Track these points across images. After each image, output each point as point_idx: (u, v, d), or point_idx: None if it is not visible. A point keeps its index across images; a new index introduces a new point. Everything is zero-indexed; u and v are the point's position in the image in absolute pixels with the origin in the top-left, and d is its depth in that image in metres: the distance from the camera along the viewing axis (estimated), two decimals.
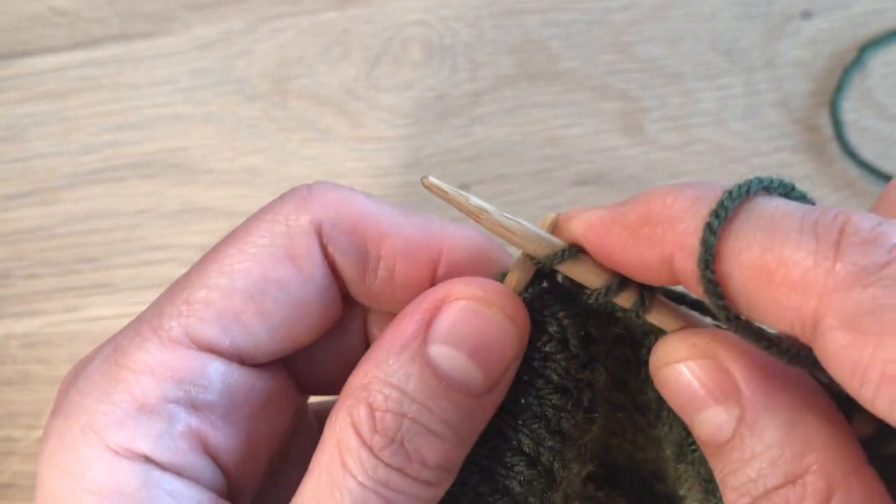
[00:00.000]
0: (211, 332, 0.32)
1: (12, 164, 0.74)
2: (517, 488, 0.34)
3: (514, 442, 0.34)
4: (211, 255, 0.34)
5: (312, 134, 0.74)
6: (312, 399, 0.42)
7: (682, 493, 0.39)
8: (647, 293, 0.32)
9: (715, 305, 0.26)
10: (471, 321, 0.32)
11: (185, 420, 0.32)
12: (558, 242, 0.32)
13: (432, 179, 0.32)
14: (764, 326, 0.27)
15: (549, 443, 0.34)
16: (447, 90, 0.75)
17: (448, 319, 0.31)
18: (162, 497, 0.31)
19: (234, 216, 0.71)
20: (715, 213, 0.25)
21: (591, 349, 0.35)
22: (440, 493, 0.32)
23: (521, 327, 0.33)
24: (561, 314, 0.34)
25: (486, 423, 0.33)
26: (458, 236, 0.35)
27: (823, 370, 0.24)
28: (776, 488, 0.27)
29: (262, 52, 0.77)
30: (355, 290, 0.35)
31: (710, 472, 0.33)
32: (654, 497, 0.42)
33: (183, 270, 0.35)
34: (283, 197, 0.34)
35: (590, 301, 0.32)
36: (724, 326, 0.28)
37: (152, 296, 0.35)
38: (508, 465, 0.34)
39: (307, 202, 0.34)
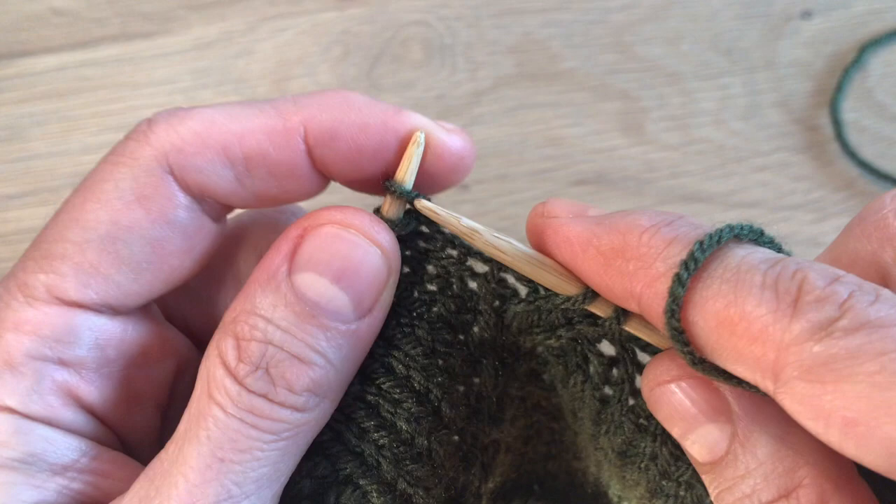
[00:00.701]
0: (71, 287, 0.32)
1: (12, 164, 0.74)
2: (404, 426, 0.35)
3: (403, 377, 0.35)
4: (63, 207, 0.33)
5: None
6: None
7: (618, 493, 0.39)
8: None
9: (680, 351, 0.27)
10: (332, 245, 0.32)
11: (53, 376, 0.32)
12: (548, 262, 0.32)
13: (424, 202, 0.33)
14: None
15: (438, 378, 0.35)
16: (447, 90, 0.75)
17: (310, 246, 0.32)
18: (35, 441, 0.31)
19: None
20: (685, 265, 0.26)
21: (471, 294, 0.35)
22: (313, 418, 0.32)
23: (387, 252, 0.33)
24: (444, 255, 0.35)
25: (364, 351, 0.33)
26: (316, 105, 0.34)
27: None
28: (770, 502, 0.27)
29: (262, 52, 0.77)
30: (236, 200, 0.35)
31: (658, 475, 0.33)
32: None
33: None
34: (124, 137, 0.34)
35: (563, 307, 0.33)
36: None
37: None
38: (396, 400, 0.35)
39: (147, 136, 0.33)
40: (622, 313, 0.31)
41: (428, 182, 0.35)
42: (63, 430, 0.32)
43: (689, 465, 0.32)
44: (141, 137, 0.33)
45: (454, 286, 0.35)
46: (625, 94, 0.74)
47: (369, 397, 0.35)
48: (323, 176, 0.35)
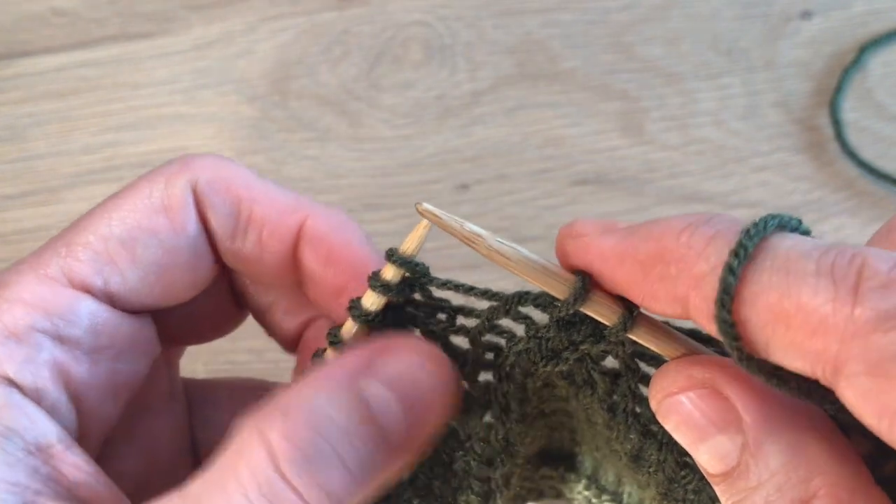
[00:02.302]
0: (85, 271, 0.35)
1: (12, 164, 0.74)
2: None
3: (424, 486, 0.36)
4: (94, 209, 0.36)
5: (312, 134, 0.74)
6: (185, 374, 0.44)
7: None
8: (633, 310, 0.31)
9: (729, 346, 0.26)
10: (412, 371, 0.32)
11: (51, 350, 0.34)
12: (553, 268, 0.31)
13: (426, 205, 0.32)
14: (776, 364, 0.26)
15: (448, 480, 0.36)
16: (447, 90, 0.75)
17: (391, 362, 0.31)
18: (20, 418, 0.32)
19: None
20: (734, 254, 0.25)
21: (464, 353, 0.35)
22: None
23: (453, 399, 0.33)
24: (432, 322, 0.35)
25: (389, 481, 0.32)
26: (323, 211, 0.38)
27: (833, 404, 0.24)
28: None
29: (262, 52, 0.77)
30: (225, 251, 0.38)
31: (665, 480, 0.33)
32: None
33: None
34: (167, 162, 0.38)
35: (560, 313, 0.32)
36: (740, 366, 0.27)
37: None
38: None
39: (187, 164, 0.37)
40: (629, 319, 0.31)
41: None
42: (45, 412, 0.33)
43: (696, 472, 0.31)
44: (181, 163, 0.37)
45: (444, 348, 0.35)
46: (625, 94, 0.74)
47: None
48: (293, 271, 0.38)
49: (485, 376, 0.36)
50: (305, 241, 0.37)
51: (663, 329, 0.31)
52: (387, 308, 0.34)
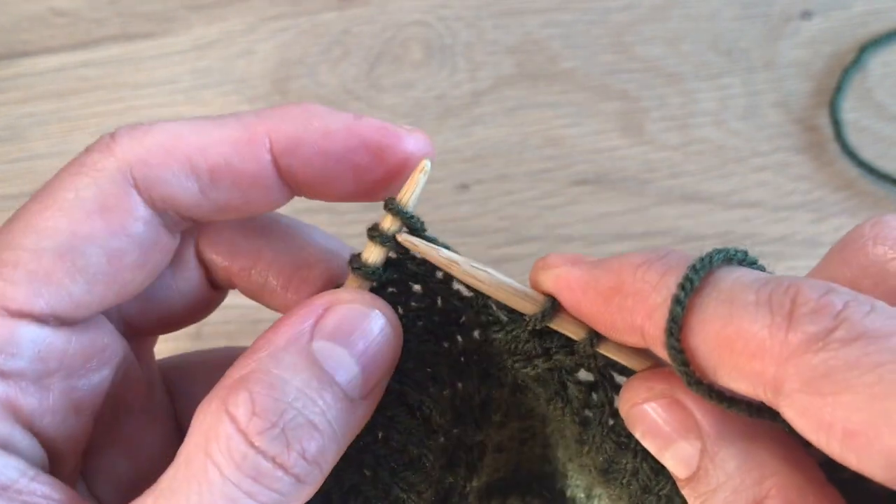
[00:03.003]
0: (20, 295, 0.31)
1: (12, 164, 0.74)
2: (396, 436, 0.36)
3: (396, 393, 0.36)
4: (18, 215, 0.33)
5: None
6: (158, 356, 0.42)
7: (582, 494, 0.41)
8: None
9: (679, 371, 0.28)
10: (359, 323, 0.32)
11: None
12: (529, 292, 0.33)
13: (404, 235, 0.34)
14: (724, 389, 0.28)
15: (430, 389, 0.36)
16: (447, 90, 0.75)
17: (336, 317, 0.32)
18: None
19: None
20: (681, 287, 0.27)
21: (455, 308, 0.36)
22: (305, 495, 0.31)
23: (400, 337, 0.34)
24: (432, 278, 0.36)
25: (357, 430, 0.33)
26: (280, 120, 0.34)
27: (784, 423, 0.26)
28: None
29: (263, 52, 0.77)
30: (199, 212, 0.34)
31: (640, 490, 0.34)
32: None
33: None
34: (87, 148, 0.34)
35: (528, 327, 0.34)
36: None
37: None
38: (390, 417, 0.36)
39: (111, 147, 0.33)
40: (595, 336, 0.32)
41: (381, 182, 0.36)
42: (1, 449, 0.31)
43: (669, 479, 0.33)
44: (104, 149, 0.33)
45: (438, 302, 0.36)
46: (625, 94, 0.74)
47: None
48: (287, 187, 0.35)
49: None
50: (285, 156, 0.34)
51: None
52: (387, 263, 0.35)
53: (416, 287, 0.36)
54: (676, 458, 0.30)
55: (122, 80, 0.77)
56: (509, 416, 0.40)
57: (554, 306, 0.33)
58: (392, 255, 0.35)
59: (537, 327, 0.33)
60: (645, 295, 0.29)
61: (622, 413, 0.32)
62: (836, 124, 0.71)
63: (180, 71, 0.77)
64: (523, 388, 0.38)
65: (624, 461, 0.34)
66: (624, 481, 0.35)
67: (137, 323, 0.38)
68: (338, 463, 0.33)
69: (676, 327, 0.27)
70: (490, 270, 0.33)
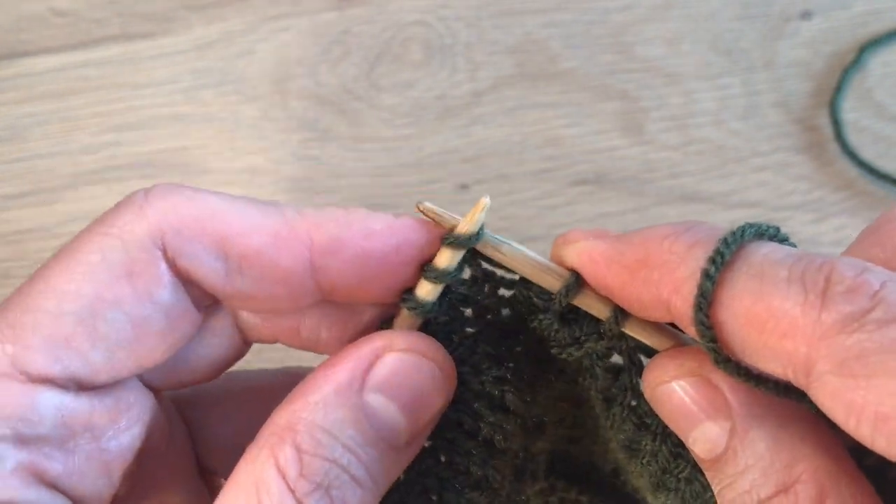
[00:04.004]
0: (40, 361, 0.30)
1: (12, 164, 0.74)
2: (458, 459, 0.36)
3: (471, 429, 0.35)
4: (39, 274, 0.31)
5: (312, 134, 0.74)
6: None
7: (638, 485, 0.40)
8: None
9: (707, 347, 0.27)
10: (409, 373, 0.32)
11: (15, 457, 0.30)
12: (553, 267, 0.33)
13: (427, 204, 0.33)
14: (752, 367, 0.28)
15: (500, 420, 0.35)
16: (447, 90, 0.75)
17: (386, 368, 0.32)
18: None
19: None
20: (712, 260, 0.26)
21: (507, 320, 0.36)
22: None
23: (453, 382, 0.34)
24: (480, 295, 0.35)
25: (400, 471, 0.33)
26: (321, 219, 0.33)
27: (810, 404, 0.25)
28: (769, 498, 0.27)
29: (262, 52, 0.77)
30: (221, 294, 0.33)
31: (659, 471, 0.34)
32: (614, 491, 0.43)
33: None
34: (117, 205, 0.32)
35: (555, 306, 0.33)
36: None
37: None
38: (461, 449, 0.35)
39: (143, 210, 0.31)
40: (620, 312, 0.32)
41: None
42: None
43: (689, 462, 0.32)
44: (137, 210, 0.31)
45: (489, 318, 0.36)
46: (624, 94, 0.74)
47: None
48: (317, 290, 0.34)
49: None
50: (324, 257, 0.32)
51: (655, 322, 0.32)
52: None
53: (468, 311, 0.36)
54: (703, 439, 0.29)
55: (122, 80, 0.77)
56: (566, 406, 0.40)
57: (578, 281, 0.32)
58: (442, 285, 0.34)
59: (563, 304, 0.32)
60: (672, 267, 0.28)
61: (646, 392, 0.32)
62: (836, 124, 0.71)
63: (180, 71, 0.77)
64: (561, 370, 0.38)
65: (643, 442, 0.34)
66: (644, 461, 0.34)
67: (159, 384, 0.37)
68: (401, 488, 0.34)
69: (705, 302, 0.26)
70: (513, 243, 0.33)
